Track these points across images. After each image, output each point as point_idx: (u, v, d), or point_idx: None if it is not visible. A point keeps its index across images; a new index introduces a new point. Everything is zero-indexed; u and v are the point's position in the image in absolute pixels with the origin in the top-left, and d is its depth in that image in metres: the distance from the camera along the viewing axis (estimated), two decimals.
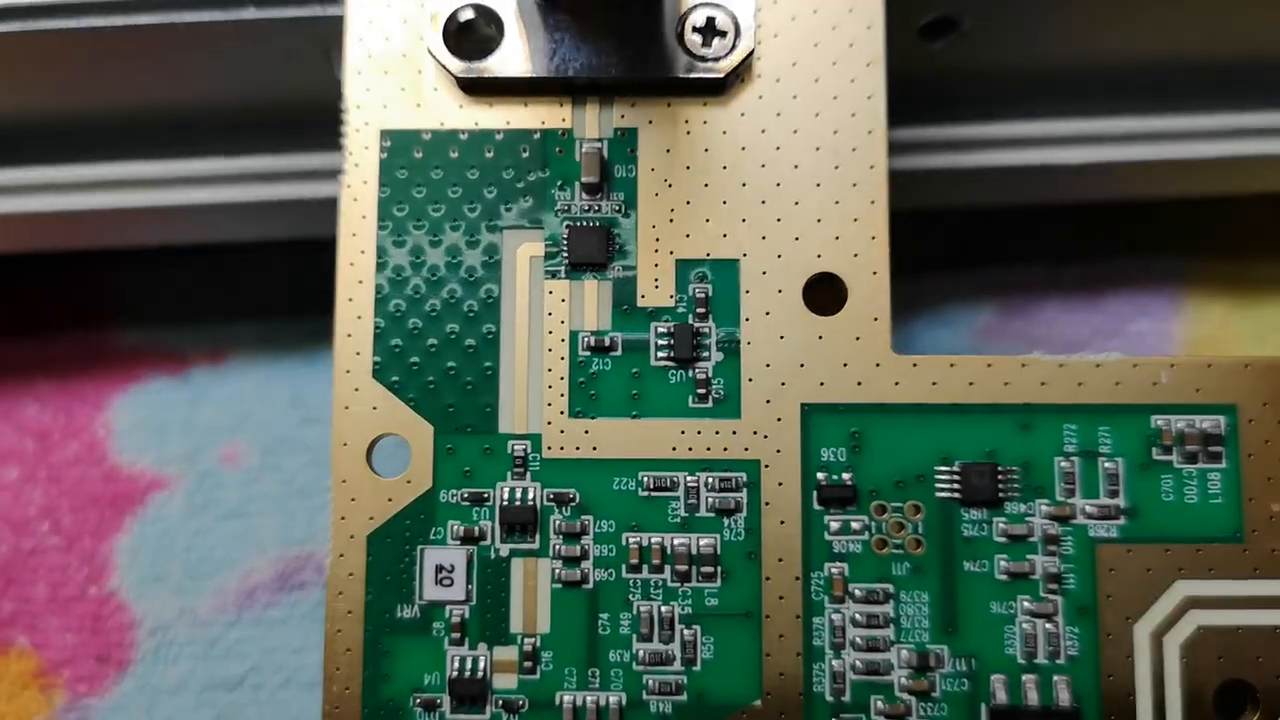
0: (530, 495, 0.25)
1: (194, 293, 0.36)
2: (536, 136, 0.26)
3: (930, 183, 0.32)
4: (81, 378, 0.36)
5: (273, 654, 0.33)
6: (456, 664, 0.24)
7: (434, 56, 0.26)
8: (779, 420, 0.25)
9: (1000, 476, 0.25)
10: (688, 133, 0.26)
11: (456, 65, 0.26)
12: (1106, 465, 0.25)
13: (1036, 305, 0.35)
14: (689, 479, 0.25)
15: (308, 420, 0.35)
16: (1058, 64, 0.31)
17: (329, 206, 0.27)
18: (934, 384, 0.25)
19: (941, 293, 0.36)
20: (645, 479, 0.25)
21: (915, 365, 0.25)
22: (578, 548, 0.25)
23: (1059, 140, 0.31)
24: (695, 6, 0.26)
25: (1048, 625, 0.24)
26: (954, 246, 0.36)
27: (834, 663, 0.24)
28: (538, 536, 0.25)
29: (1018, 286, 0.35)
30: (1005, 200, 0.33)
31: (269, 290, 0.36)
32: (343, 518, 0.25)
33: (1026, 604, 0.24)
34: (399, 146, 0.26)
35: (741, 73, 0.26)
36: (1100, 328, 0.35)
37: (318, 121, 0.29)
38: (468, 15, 0.26)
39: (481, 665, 0.24)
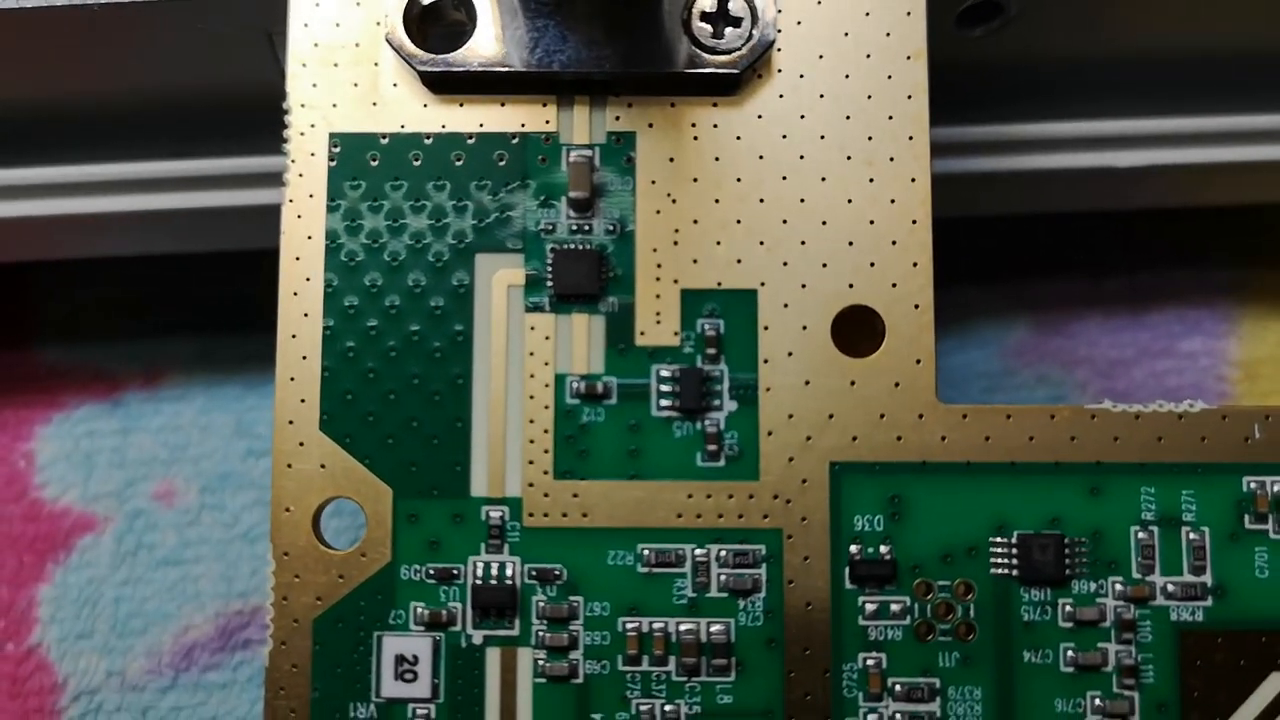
0: (509, 572, 0.22)
1: (125, 306, 0.34)
2: (515, 142, 0.23)
3: (964, 188, 0.29)
4: (1, 402, 0.33)
5: None
6: None
7: (393, 46, 0.23)
8: (804, 482, 0.22)
9: (1066, 549, 0.22)
10: (695, 138, 0.23)
11: (420, 57, 0.23)
12: (1191, 536, 0.22)
13: (1076, 321, 0.33)
14: (697, 553, 0.22)
15: (253, 453, 0.32)
16: (1110, 56, 0.28)
17: (275, 214, 0.24)
18: (987, 439, 0.22)
19: (970, 307, 0.33)
20: (645, 553, 0.22)
21: (965, 417, 0.23)
22: (565, 635, 0.22)
23: (1110, 142, 0.29)
24: None
25: None
26: (983, 255, 0.33)
27: None
28: (517, 621, 0.22)
29: (1054, 300, 0.33)
30: (1048, 207, 0.31)
31: (209, 302, 0.33)
32: (285, 599, 0.22)
33: (1097, 701, 0.22)
34: (351, 153, 0.23)
35: (759, 67, 0.23)
36: (1147, 346, 0.33)
37: (261, 119, 0.26)
38: None
39: None
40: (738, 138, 0.23)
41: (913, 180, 0.23)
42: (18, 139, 0.28)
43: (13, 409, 0.33)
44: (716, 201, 0.23)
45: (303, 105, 0.23)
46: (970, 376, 0.32)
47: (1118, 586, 0.22)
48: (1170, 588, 0.22)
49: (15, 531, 0.32)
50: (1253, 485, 0.22)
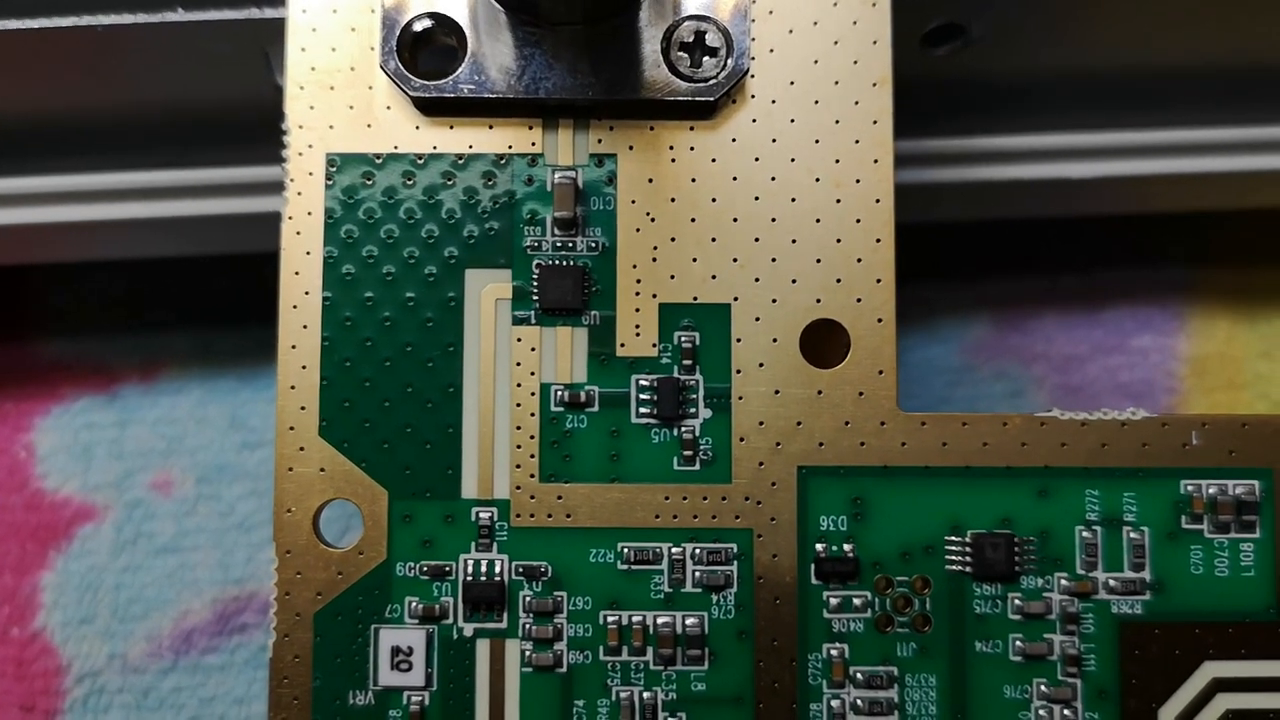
0: (497, 569, 0.23)
1: (123, 302, 0.34)
2: (502, 162, 0.24)
3: (926, 197, 0.30)
4: (1, 394, 0.33)
5: (212, 704, 0.31)
6: None
7: (386, 71, 0.23)
8: (773, 485, 0.23)
9: (1016, 548, 0.23)
10: (673, 160, 0.24)
11: (413, 82, 0.23)
12: (1131, 535, 0.23)
13: (1033, 318, 0.34)
14: (674, 551, 0.23)
15: (248, 445, 0.32)
16: (1066, 73, 0.29)
17: (269, 221, 0.25)
18: (944, 444, 0.23)
19: (931, 304, 0.34)
20: (625, 550, 0.23)
21: (924, 424, 0.23)
22: (550, 627, 0.23)
23: (1066, 154, 0.30)
24: (683, 20, 0.23)
25: (1065, 711, 0.23)
26: (944, 255, 0.34)
27: None
28: (506, 615, 0.23)
29: (1013, 298, 0.34)
30: (1009, 214, 0.32)
31: (205, 298, 0.34)
32: (287, 594, 0.23)
33: (1043, 688, 0.23)
34: (347, 172, 0.24)
35: (733, 93, 0.24)
36: (1101, 343, 0.34)
37: (256, 131, 0.27)
38: (424, 25, 0.23)
39: None
40: (713, 160, 0.23)
41: (877, 201, 0.23)
42: (25, 149, 0.28)
43: (13, 401, 0.33)
44: (693, 220, 0.23)
45: (300, 126, 0.23)
46: (931, 372, 0.33)
47: (1063, 582, 0.23)
48: (1112, 583, 0.23)
49: (17, 520, 0.32)
50: (1189, 488, 0.23)
